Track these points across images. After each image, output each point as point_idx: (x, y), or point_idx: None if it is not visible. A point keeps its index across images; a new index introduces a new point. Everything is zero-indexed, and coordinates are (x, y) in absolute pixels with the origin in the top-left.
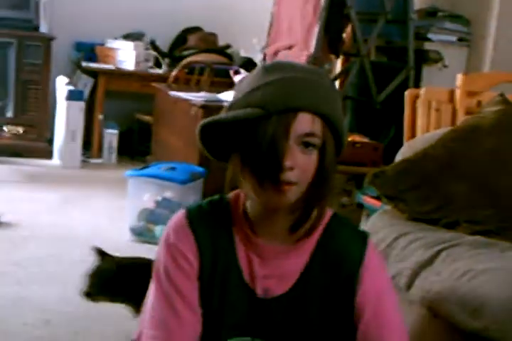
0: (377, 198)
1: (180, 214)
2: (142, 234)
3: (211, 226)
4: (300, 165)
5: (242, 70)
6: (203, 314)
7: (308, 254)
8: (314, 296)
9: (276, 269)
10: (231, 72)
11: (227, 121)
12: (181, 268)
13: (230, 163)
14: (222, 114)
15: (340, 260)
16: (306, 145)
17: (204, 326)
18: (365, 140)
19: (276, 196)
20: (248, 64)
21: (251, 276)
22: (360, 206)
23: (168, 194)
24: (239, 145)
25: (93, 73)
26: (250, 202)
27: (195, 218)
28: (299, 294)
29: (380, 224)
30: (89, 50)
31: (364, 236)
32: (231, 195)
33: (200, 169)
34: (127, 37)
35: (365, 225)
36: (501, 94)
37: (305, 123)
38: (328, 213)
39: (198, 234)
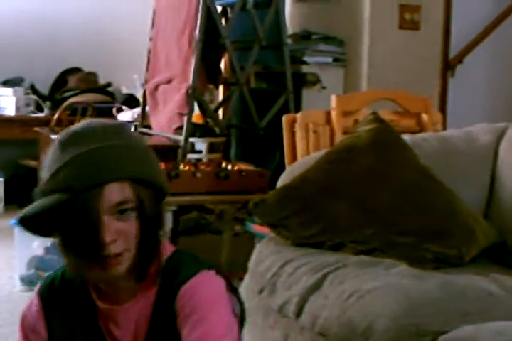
0: None
1: (34, 298)
2: (33, 283)
3: (67, 302)
4: (121, 234)
5: (124, 107)
6: None
7: (152, 302)
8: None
9: (129, 326)
10: (114, 110)
11: (37, 213)
12: None
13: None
14: (31, 206)
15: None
16: (122, 211)
17: None
18: (251, 168)
19: (107, 271)
20: (130, 100)
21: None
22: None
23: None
24: (57, 225)
25: None
26: None
27: (48, 299)
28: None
29: (265, 252)
30: None
31: (198, 267)
32: None
33: None
34: (6, 83)
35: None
36: (373, 113)
37: (113, 193)
38: (166, 254)
39: (50, 320)
